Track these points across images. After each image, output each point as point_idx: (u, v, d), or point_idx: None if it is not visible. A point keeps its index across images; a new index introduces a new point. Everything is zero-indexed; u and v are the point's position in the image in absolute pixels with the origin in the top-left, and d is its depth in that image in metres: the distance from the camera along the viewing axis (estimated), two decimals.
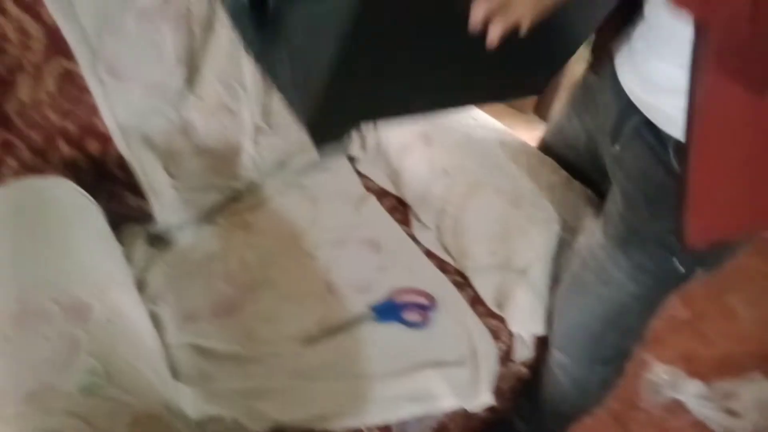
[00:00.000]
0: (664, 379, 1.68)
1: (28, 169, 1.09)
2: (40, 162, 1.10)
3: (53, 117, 1.09)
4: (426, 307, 1.22)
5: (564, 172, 1.27)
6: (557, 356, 1.15)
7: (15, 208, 0.97)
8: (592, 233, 1.02)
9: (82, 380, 0.75)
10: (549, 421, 1.33)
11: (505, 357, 1.19)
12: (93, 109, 1.11)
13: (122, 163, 1.17)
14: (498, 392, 1.15)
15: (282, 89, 0.80)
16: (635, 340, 1.07)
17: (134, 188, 1.21)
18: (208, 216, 1.31)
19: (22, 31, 1.02)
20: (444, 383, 1.06)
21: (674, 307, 1.79)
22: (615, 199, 0.97)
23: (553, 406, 1.25)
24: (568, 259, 1.10)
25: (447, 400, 1.05)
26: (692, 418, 1.60)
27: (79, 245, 0.96)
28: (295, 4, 0.70)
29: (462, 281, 1.29)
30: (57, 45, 1.04)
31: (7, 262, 0.88)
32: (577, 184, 1.25)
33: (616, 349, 1.08)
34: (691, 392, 1.65)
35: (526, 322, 1.16)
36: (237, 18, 0.84)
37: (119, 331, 0.85)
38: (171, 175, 1.21)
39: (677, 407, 1.63)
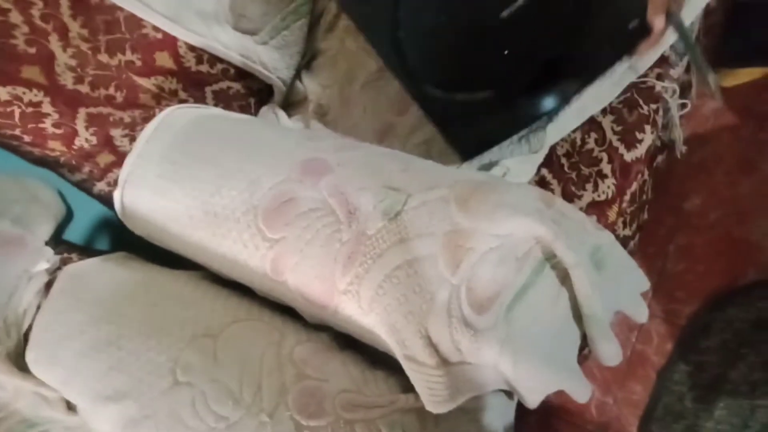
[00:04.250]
0: None
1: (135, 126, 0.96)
2: (130, 109, 0.96)
3: (112, 61, 0.93)
4: None
5: None
6: None
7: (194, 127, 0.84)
8: None
9: None
10: None
11: None
12: (136, 23, 0.92)
13: (201, 57, 1.00)
14: None
15: None
16: None
17: (233, 76, 1.05)
18: (307, 52, 1.13)
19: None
20: None
21: None
22: None
23: None
24: None
25: None
26: None
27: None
28: None
29: None
30: None
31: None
32: None
33: None
34: None
35: None
36: None
37: None
38: (249, 32, 1.02)
39: None
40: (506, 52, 0.79)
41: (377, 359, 0.69)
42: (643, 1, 0.80)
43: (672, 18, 0.79)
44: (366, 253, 0.62)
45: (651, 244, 1.20)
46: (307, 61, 1.13)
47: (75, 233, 1.06)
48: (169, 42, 0.96)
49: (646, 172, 0.93)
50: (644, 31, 0.82)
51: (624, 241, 0.93)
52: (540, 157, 0.88)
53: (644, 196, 0.98)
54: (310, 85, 1.11)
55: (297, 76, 1.13)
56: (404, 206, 0.63)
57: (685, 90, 1.04)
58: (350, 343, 0.72)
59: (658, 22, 0.78)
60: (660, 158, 1.04)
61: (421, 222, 0.61)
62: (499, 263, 0.62)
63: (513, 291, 0.63)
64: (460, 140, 0.88)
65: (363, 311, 0.62)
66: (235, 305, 0.75)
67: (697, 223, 1.21)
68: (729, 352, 1.09)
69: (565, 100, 0.86)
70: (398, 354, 0.60)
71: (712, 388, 1.08)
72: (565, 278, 0.66)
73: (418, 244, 0.60)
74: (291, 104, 1.13)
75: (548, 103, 0.85)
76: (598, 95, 0.89)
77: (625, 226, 0.92)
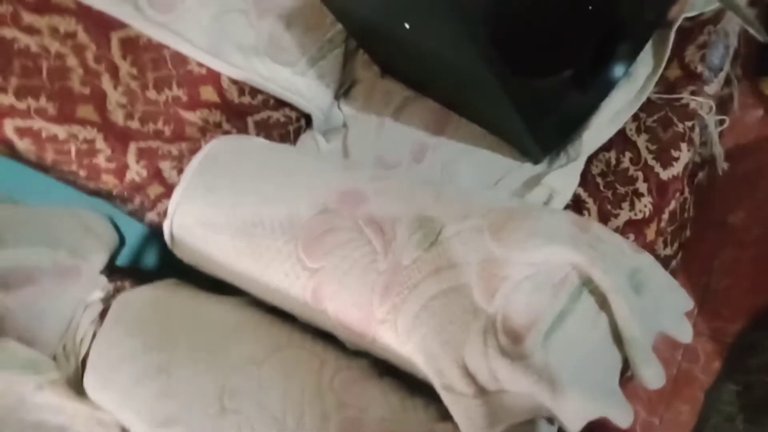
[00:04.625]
0: None
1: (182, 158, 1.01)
2: (177, 142, 1.01)
3: (160, 97, 0.98)
4: None
5: None
6: None
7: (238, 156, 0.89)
8: None
9: None
10: None
11: None
12: (181, 60, 0.97)
13: (243, 89, 1.05)
14: None
15: None
16: None
17: (273, 105, 1.09)
18: (345, 80, 1.16)
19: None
20: None
21: None
22: None
23: None
24: None
25: None
26: None
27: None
28: None
29: None
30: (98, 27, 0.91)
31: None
32: None
33: None
34: None
35: None
36: None
37: None
38: (287, 63, 1.06)
39: None
40: (590, 7, 0.79)
41: (416, 386, 0.71)
42: None
43: None
44: (402, 284, 0.63)
45: (694, 261, 1.18)
46: (345, 90, 1.16)
47: (128, 258, 1.11)
48: (212, 76, 1.00)
49: (686, 190, 0.92)
50: None
51: (665, 261, 0.92)
52: (579, 166, 0.88)
53: (685, 214, 0.96)
54: (348, 112, 1.14)
55: (335, 103, 1.16)
56: (438, 236, 0.64)
57: (724, 104, 1.02)
58: (389, 369, 0.74)
59: None
60: (701, 174, 1.03)
61: (456, 252, 0.62)
62: (535, 291, 0.62)
63: (550, 318, 0.63)
64: (542, 134, 0.88)
65: (400, 340, 0.64)
66: (277, 332, 0.78)
67: (742, 238, 1.18)
68: None
69: (629, 62, 0.87)
70: (436, 383, 0.62)
71: (763, 410, 1.05)
72: (603, 303, 0.66)
73: (453, 274, 0.61)
74: (330, 131, 1.16)
75: (618, 71, 0.87)
76: (628, 99, 0.89)
77: (665, 246, 0.91)
